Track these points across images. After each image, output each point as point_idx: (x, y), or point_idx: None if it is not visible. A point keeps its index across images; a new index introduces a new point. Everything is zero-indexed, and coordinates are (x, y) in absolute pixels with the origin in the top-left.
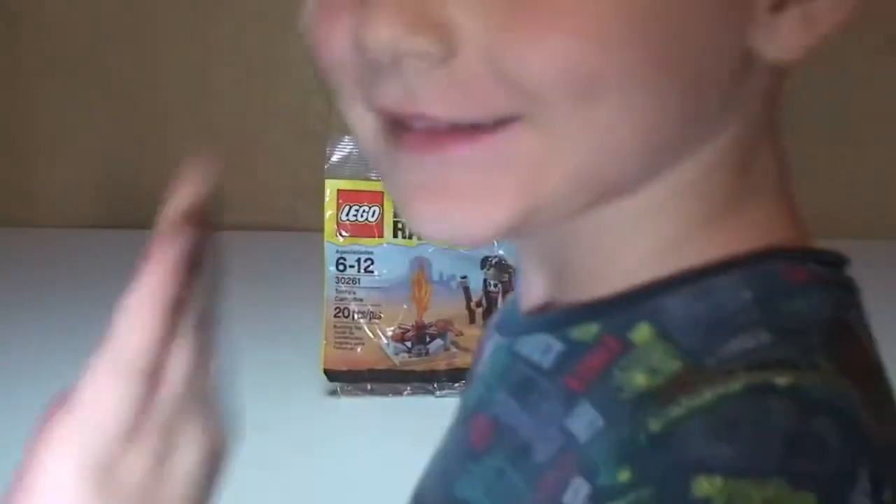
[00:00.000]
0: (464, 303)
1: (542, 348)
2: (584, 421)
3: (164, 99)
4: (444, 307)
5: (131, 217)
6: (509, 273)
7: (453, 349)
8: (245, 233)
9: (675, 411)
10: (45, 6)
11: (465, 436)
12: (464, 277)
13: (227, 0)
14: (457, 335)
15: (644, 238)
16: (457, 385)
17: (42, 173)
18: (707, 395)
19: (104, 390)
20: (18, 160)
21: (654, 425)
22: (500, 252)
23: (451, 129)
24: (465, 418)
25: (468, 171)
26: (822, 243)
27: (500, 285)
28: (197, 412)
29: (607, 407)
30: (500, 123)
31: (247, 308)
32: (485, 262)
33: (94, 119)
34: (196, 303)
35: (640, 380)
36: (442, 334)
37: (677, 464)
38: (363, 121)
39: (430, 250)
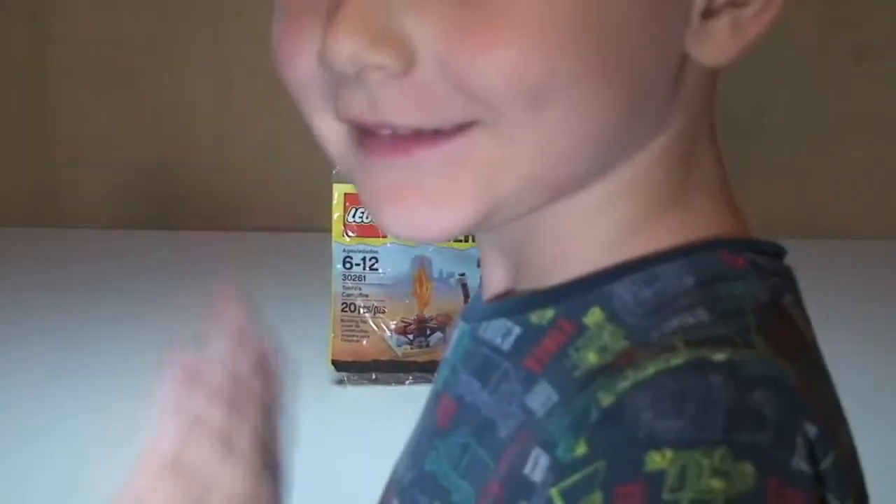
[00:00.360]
0: (462, 298)
1: (502, 332)
2: (542, 397)
3: (187, 111)
4: (444, 302)
5: (153, 219)
6: None
7: None
8: (260, 234)
9: (623, 385)
10: (77, 22)
11: (432, 415)
12: (462, 274)
13: (245, 22)
14: None
15: (596, 230)
16: None
17: (70, 178)
18: (650, 369)
19: (147, 487)
20: (49, 165)
21: (605, 399)
22: None
23: (414, 134)
24: (433, 400)
25: (431, 174)
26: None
27: None
28: (236, 486)
29: (562, 384)
30: (459, 129)
31: (261, 303)
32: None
33: (120, 127)
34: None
35: (591, 358)
36: (441, 327)
37: (629, 438)
38: (330, 129)
39: (430, 250)
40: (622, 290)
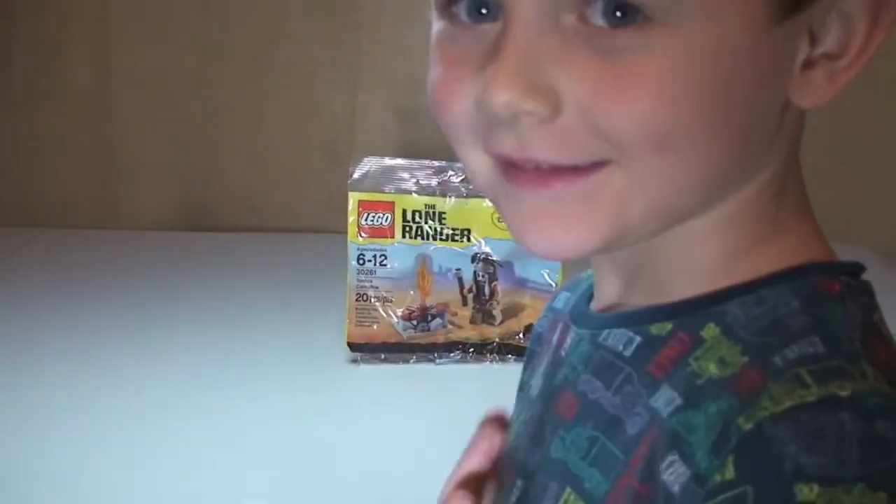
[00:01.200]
0: (458, 289)
1: (624, 340)
2: (665, 399)
3: (225, 130)
4: (442, 293)
5: (196, 222)
6: (493, 266)
7: (449, 326)
8: (287, 235)
9: (761, 414)
10: (133, 60)
11: (551, 408)
12: (458, 269)
13: (274, 60)
14: (452, 315)
15: (702, 254)
16: (452, 354)
17: (127, 188)
18: (786, 402)
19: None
20: (110, 177)
21: (745, 425)
22: (486, 249)
23: (553, 169)
24: (550, 394)
25: (568, 203)
26: None
27: (485, 276)
28: None
29: (685, 390)
30: (594, 165)
31: (287, 294)
32: (474, 258)
33: (169, 147)
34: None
35: (712, 369)
36: (440, 314)
37: (777, 469)
38: (480, 162)
39: (430, 248)
40: (734, 310)
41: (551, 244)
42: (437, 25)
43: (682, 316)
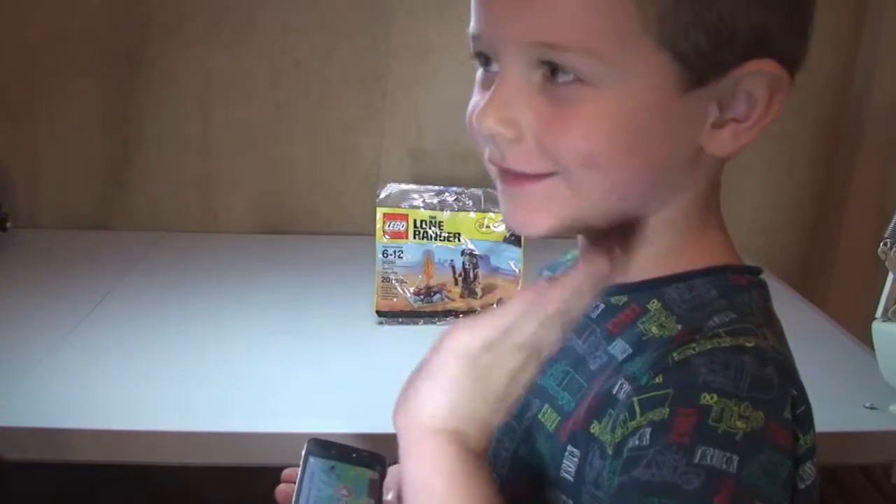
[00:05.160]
0: (451, 274)
1: (591, 307)
2: (620, 349)
3: (292, 164)
4: (441, 277)
5: (273, 227)
6: (475, 258)
7: (446, 299)
8: (335, 237)
9: (690, 351)
10: (229, 112)
11: None
12: (452, 260)
13: (326, 116)
14: (448, 292)
15: (650, 250)
16: (447, 319)
17: (223, 202)
18: (708, 345)
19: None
20: (210, 194)
21: (677, 356)
22: (471, 247)
23: (524, 175)
24: None
25: (532, 199)
26: None
27: (470, 265)
28: (546, 348)
29: (634, 343)
30: (547, 175)
31: (335, 277)
32: (462, 253)
33: (253, 173)
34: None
35: (654, 330)
36: (440, 291)
37: (691, 381)
38: (489, 165)
39: (433, 246)
40: (672, 292)
41: (523, 225)
42: (479, 73)
43: (634, 293)
